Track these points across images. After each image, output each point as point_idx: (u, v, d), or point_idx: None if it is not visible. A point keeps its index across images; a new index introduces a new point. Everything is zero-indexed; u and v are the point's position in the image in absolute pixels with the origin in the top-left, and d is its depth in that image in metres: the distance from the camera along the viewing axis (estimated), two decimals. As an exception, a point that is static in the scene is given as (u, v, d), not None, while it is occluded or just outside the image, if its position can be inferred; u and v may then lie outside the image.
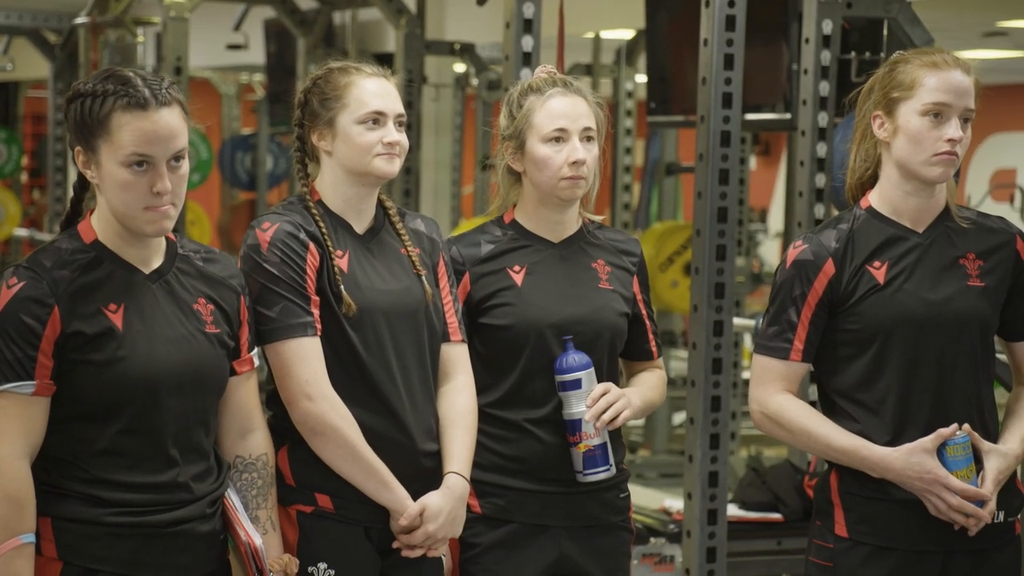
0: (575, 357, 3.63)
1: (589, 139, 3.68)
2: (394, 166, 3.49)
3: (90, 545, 3.10)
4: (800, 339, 3.54)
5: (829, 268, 3.52)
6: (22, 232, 11.50)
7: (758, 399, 3.59)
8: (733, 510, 5.46)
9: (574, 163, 3.64)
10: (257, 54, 10.24)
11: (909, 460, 3.44)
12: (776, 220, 15.43)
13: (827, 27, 5.33)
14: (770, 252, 14.57)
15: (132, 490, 3.11)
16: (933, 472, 3.42)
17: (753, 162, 13.57)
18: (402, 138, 3.51)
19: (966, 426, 3.46)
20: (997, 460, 3.47)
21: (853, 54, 5.39)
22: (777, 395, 3.57)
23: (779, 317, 3.56)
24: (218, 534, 3.24)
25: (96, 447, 3.10)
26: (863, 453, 3.47)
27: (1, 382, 3.05)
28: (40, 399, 3.07)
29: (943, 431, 3.44)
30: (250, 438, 3.34)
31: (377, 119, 3.48)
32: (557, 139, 3.65)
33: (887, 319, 3.48)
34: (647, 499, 5.96)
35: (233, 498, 3.28)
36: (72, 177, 3.24)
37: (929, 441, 3.43)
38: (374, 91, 3.49)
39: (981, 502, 3.44)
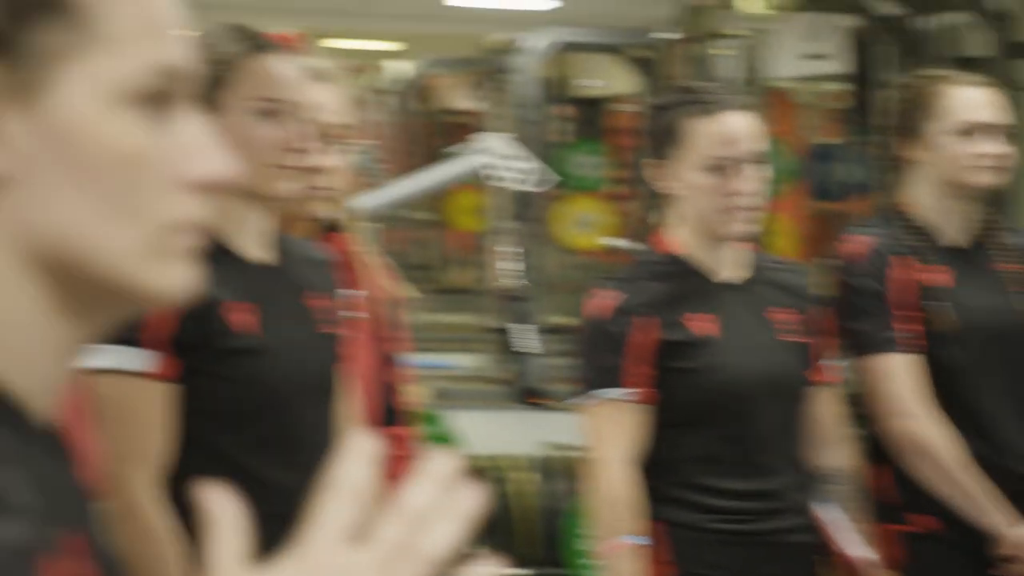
0: None
1: None
2: (991, 178, 3.40)
3: (702, 551, 3.16)
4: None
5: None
6: (617, 242, 11.88)
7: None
8: None
9: None
10: (837, 63, 10.17)
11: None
12: None
13: None
14: None
15: (732, 497, 3.16)
16: None
17: None
18: (1002, 149, 3.41)
19: None
20: None
21: None
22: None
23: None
24: (811, 546, 3.25)
25: (693, 452, 3.16)
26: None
27: (602, 389, 3.14)
28: (641, 406, 3.14)
29: None
30: (829, 450, 3.34)
31: (970, 130, 3.40)
32: None
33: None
34: None
35: (828, 511, 3.28)
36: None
37: None
38: (967, 101, 3.42)
39: None
